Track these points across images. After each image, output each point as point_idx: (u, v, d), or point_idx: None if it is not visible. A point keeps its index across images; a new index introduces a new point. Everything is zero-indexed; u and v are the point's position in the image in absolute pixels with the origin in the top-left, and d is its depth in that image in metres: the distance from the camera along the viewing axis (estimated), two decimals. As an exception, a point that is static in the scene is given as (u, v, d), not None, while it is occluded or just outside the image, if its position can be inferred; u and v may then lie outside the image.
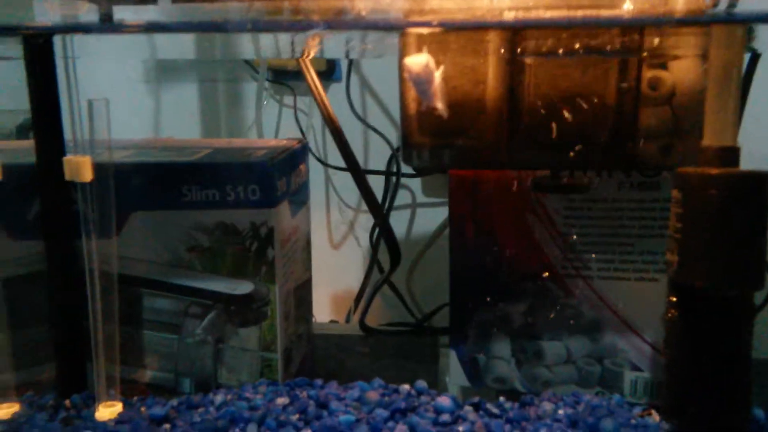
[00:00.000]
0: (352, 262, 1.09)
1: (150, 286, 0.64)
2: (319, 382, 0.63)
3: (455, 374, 0.70)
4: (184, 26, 0.54)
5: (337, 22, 0.53)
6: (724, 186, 0.49)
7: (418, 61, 0.51)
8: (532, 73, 0.58)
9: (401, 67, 0.57)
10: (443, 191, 0.68)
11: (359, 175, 0.75)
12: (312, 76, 0.72)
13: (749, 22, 0.51)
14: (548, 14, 0.52)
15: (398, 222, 1.05)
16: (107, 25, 0.56)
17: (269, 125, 1.08)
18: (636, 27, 0.55)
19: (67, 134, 0.59)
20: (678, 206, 0.51)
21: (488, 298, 0.67)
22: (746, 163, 0.51)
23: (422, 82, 0.51)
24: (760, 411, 0.57)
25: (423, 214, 1.06)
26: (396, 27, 0.55)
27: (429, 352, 0.82)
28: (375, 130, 1.00)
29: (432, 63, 0.51)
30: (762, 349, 0.78)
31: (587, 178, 0.63)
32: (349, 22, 0.53)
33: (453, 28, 0.56)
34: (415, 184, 1.04)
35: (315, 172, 0.98)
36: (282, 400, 0.58)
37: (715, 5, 0.54)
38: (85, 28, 0.57)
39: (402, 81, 0.59)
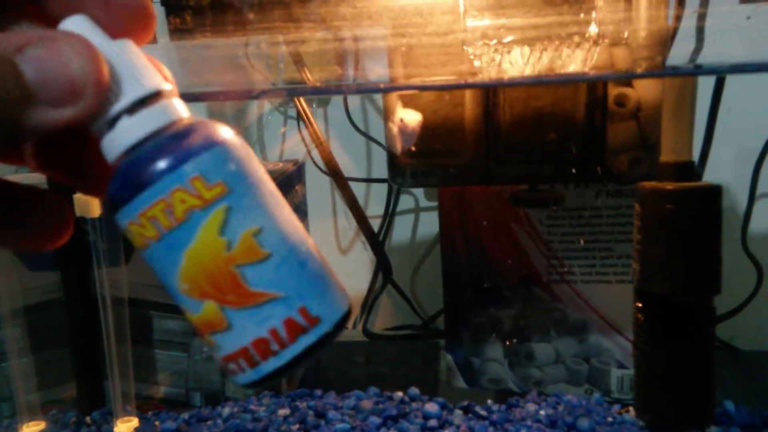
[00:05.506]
0: (361, 266, 1.13)
1: (160, 309, 0.68)
2: (318, 392, 0.67)
3: (452, 377, 0.73)
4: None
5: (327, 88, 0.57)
6: (679, 200, 0.52)
7: (412, 118, 0.61)
8: (505, 94, 0.61)
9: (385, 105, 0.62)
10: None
11: (350, 195, 0.79)
12: (305, 110, 0.76)
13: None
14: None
15: (403, 226, 1.09)
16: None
17: (274, 137, 1.12)
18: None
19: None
20: (638, 219, 0.55)
21: (479, 305, 0.71)
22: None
23: (410, 134, 0.60)
24: (730, 403, 0.60)
25: (426, 218, 1.09)
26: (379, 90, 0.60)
27: (432, 353, 0.86)
28: (375, 141, 1.04)
29: (420, 122, 0.61)
30: (747, 343, 0.81)
31: (559, 191, 0.66)
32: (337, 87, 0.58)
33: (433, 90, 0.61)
34: (418, 189, 1.07)
35: (321, 180, 1.02)
36: (283, 411, 0.63)
37: (675, 30, 0.57)
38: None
39: (386, 109, 0.63)
